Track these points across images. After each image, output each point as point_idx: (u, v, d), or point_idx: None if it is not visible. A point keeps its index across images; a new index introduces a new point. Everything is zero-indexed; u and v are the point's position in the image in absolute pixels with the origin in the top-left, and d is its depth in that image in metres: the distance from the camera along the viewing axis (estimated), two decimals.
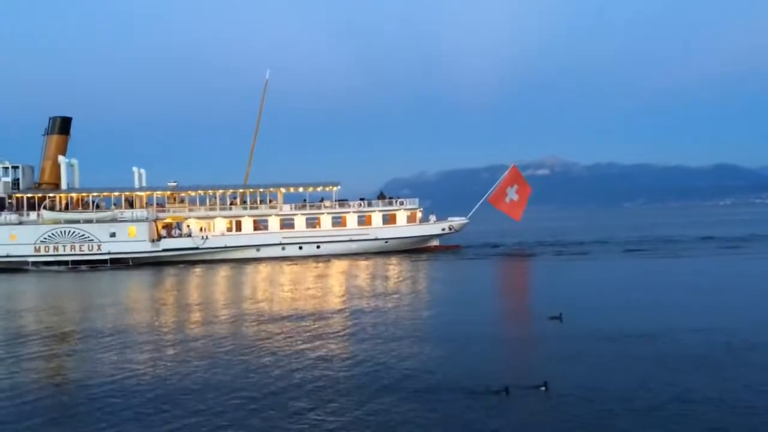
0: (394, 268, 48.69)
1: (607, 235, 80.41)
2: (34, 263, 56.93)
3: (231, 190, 63.98)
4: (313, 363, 18.90)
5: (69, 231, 57.83)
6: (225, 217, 61.90)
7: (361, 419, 14.16)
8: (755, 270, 41.99)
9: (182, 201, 63.42)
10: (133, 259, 58.37)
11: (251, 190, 63.97)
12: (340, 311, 28.28)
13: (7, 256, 57.01)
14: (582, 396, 15.15)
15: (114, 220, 59.10)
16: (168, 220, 61.66)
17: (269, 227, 62.14)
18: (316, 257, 59.33)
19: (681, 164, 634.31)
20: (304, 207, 63.05)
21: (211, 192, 63.22)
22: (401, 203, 64.05)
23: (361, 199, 64.52)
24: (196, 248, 59.71)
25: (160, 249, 59.16)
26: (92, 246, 57.89)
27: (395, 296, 32.79)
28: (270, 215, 62.27)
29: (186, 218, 61.70)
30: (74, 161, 65.10)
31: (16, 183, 61.07)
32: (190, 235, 60.40)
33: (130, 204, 61.98)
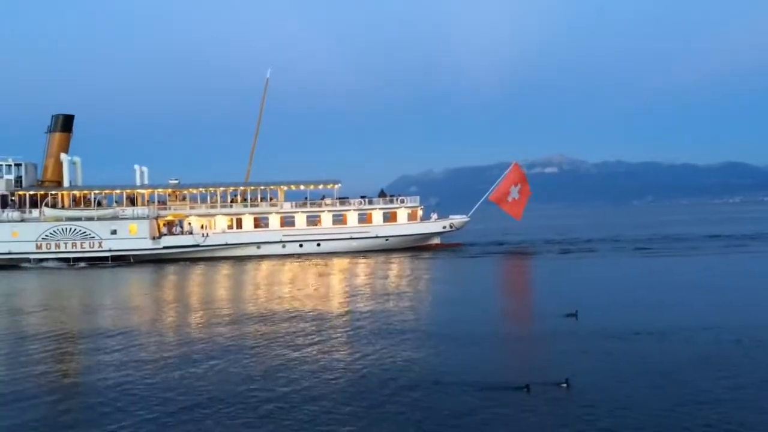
0: (398, 266, 48.52)
1: (615, 233, 79.87)
2: (31, 260, 57.13)
3: (232, 188, 64.06)
4: (324, 365, 18.44)
5: (70, 228, 58.04)
6: (226, 214, 61.95)
7: (379, 418, 14.04)
8: (763, 268, 42.02)
9: (184, 198, 63.53)
10: (134, 256, 58.54)
11: (252, 187, 64.00)
12: (347, 311, 27.86)
13: (9, 253, 57.30)
14: (603, 394, 15.18)
15: (115, 217, 59.26)
16: (169, 218, 61.79)
17: (270, 225, 62.15)
18: (316, 255, 59.31)
19: (689, 162, 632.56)
20: (304, 205, 63.06)
21: (212, 190, 63.29)
22: (402, 201, 63.92)
23: (362, 197, 64.43)
24: (197, 246, 59.81)
25: (161, 246, 59.29)
26: (93, 243, 58.09)
27: (404, 295, 32.54)
28: (271, 213, 62.28)
29: (187, 216, 61.79)
30: (77, 159, 65.33)
31: (18, 180, 61.38)
32: (191, 233, 60.52)
33: (132, 201, 62.15)
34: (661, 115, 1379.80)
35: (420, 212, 64.35)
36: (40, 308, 32.46)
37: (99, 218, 58.96)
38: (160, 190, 63.44)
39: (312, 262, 52.98)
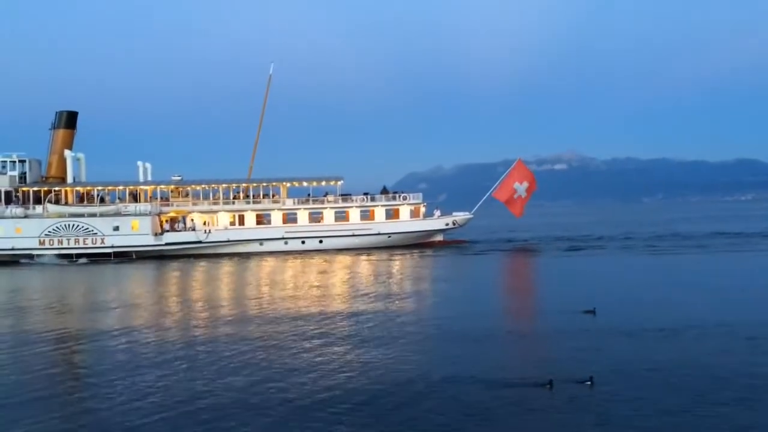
0: (402, 264, 48.22)
1: (625, 231, 79.32)
2: (33, 257, 57.30)
3: (234, 185, 64.03)
4: (338, 367, 17.98)
5: (73, 224, 58.21)
6: (228, 211, 61.92)
7: (400, 418, 13.86)
8: None
9: (186, 195, 63.59)
10: (136, 252, 58.64)
11: (254, 184, 63.94)
12: (359, 310, 27.31)
13: (12, 249, 57.55)
14: (630, 392, 15.03)
15: (117, 213, 59.36)
16: (172, 214, 61.83)
17: (272, 222, 62.09)
18: (318, 252, 59.16)
19: (700, 159, 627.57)
20: (306, 201, 62.92)
21: (214, 186, 63.30)
22: (404, 198, 63.64)
23: (365, 194, 64.20)
24: (199, 242, 59.82)
25: (163, 243, 59.35)
26: (96, 239, 58.24)
27: (416, 293, 32.24)
28: (273, 209, 62.20)
29: (189, 212, 61.81)
30: (80, 155, 65.58)
31: (23, 177, 61.65)
32: (193, 229, 60.53)
33: (135, 198, 62.23)
34: (672, 112, 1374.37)
35: (423, 209, 64.05)
36: (42, 305, 32.36)
37: (101, 214, 59.08)
38: (162, 186, 63.52)
39: (316, 260, 52.81)
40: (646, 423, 13.24)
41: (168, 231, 60.46)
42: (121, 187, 62.79)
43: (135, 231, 58.81)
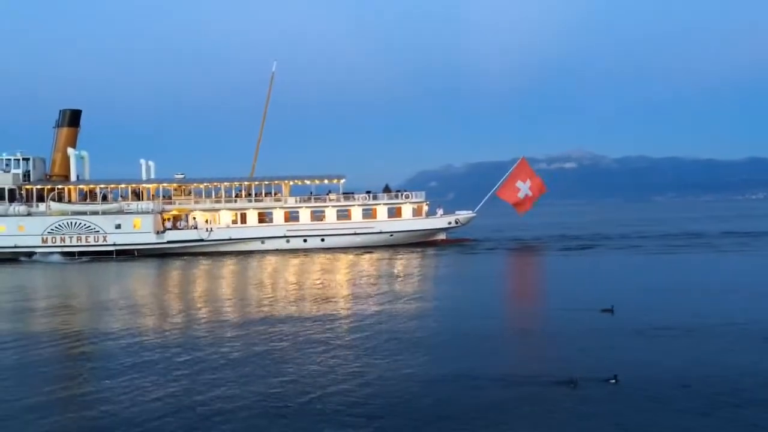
0: (407, 262, 47.73)
1: (636, 230, 78.55)
2: (29, 255, 57.42)
3: (237, 183, 63.98)
4: (350, 368, 17.51)
5: (75, 222, 58.35)
6: (230, 209, 61.88)
7: (420, 416, 13.69)
8: None
9: (189, 193, 63.61)
10: (138, 250, 58.70)
11: (257, 182, 63.85)
12: (374, 310, 26.80)
13: (15, 247, 57.77)
14: (655, 391, 14.78)
15: (120, 211, 59.43)
16: (174, 212, 61.88)
17: (274, 220, 61.99)
18: (320, 250, 58.96)
19: (712, 157, 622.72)
20: (309, 200, 62.78)
21: (217, 184, 63.28)
22: (407, 196, 63.34)
23: (367, 192, 63.96)
24: (201, 240, 59.81)
25: (165, 241, 59.37)
26: (98, 237, 58.35)
27: (426, 293, 31.78)
28: (275, 208, 62.09)
29: (192, 210, 61.82)
30: (84, 153, 65.66)
31: (27, 175, 61.87)
32: (195, 228, 60.52)
33: (138, 196, 62.26)
34: (684, 110, 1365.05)
35: (425, 207, 63.71)
36: (45, 304, 32.22)
37: (104, 212, 59.18)
38: (165, 184, 63.53)
39: (317, 257, 52.60)
40: (674, 422, 13.04)
41: (170, 229, 60.48)
42: (123, 185, 62.90)
43: (137, 229, 58.86)
